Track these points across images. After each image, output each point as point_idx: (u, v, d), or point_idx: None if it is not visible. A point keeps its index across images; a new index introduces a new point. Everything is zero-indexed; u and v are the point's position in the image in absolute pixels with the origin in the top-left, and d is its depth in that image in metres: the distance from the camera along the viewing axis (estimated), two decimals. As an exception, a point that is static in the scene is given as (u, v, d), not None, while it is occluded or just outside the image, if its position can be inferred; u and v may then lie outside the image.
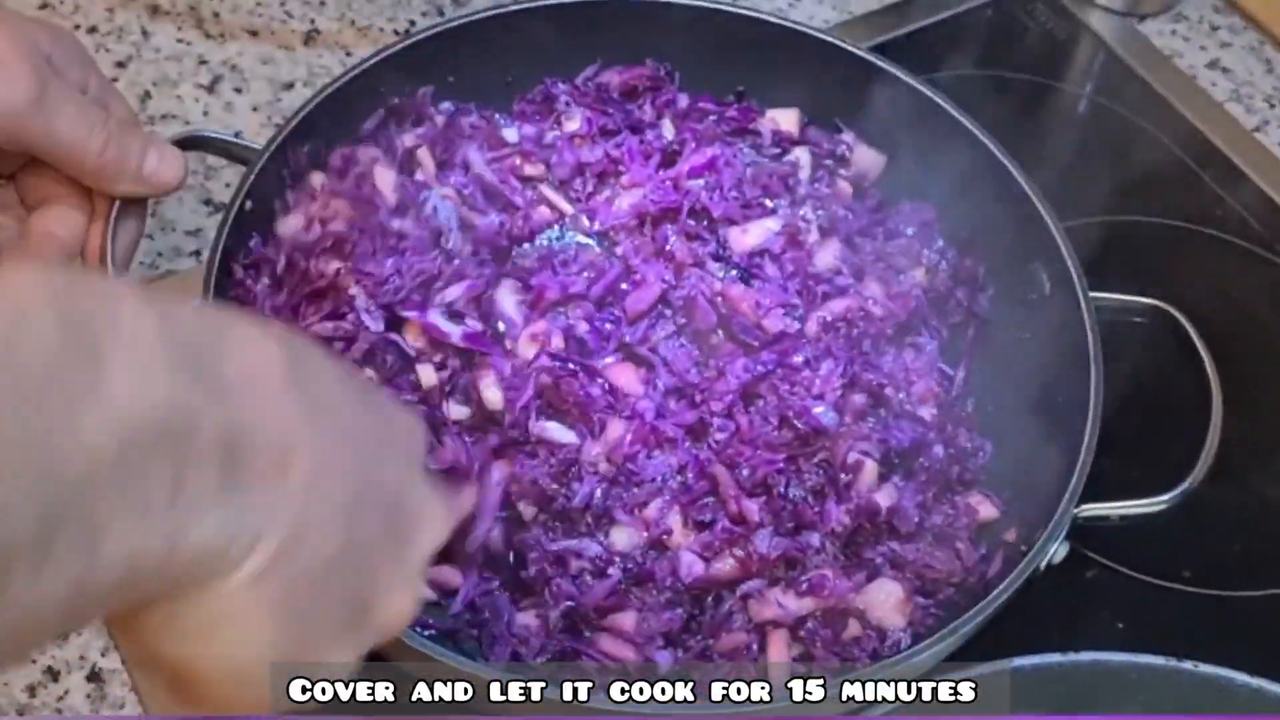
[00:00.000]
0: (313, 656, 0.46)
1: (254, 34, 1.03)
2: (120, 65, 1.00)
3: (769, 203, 0.86)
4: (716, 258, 0.84)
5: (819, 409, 0.77)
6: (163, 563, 0.40)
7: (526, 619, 0.73)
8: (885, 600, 0.73)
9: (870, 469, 0.77)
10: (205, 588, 0.42)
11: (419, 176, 0.85)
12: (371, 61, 0.84)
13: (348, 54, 1.02)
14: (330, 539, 0.45)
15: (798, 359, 0.80)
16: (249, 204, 0.77)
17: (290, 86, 1.00)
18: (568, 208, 0.85)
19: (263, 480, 0.42)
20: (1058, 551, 0.71)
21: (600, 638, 0.73)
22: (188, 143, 0.79)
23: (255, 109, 0.98)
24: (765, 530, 0.74)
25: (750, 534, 0.74)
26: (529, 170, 0.86)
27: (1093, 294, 0.79)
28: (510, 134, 0.87)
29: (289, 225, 0.80)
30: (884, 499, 0.76)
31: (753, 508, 0.75)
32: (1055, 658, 0.70)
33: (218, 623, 0.43)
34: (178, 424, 0.39)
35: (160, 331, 0.40)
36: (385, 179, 0.82)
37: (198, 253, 0.91)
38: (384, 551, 0.49)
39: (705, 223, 0.85)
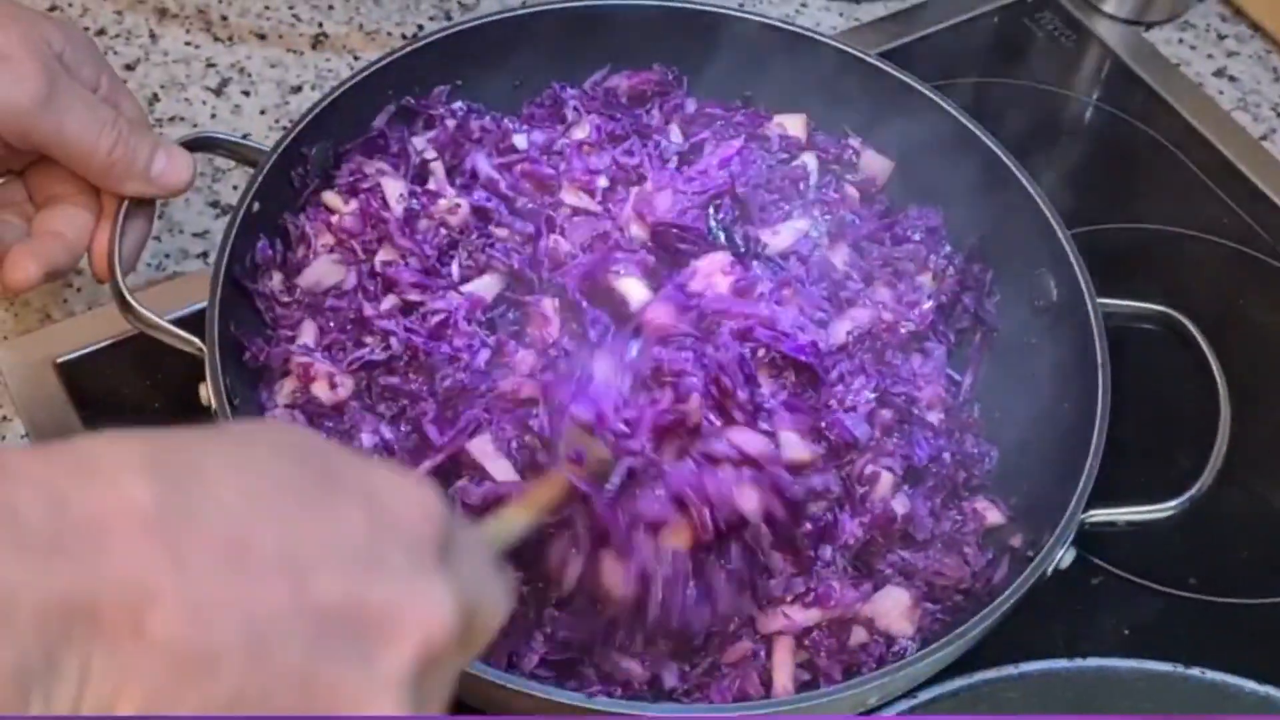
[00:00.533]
0: None
1: (262, 37, 1.03)
2: (129, 68, 1.00)
3: (785, 206, 0.86)
4: (755, 256, 0.83)
5: (850, 420, 0.76)
6: None
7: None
8: (893, 608, 0.73)
9: (886, 479, 0.76)
10: None
11: (430, 185, 0.85)
12: (381, 63, 0.84)
13: (355, 58, 1.03)
14: (219, 687, 0.40)
15: (831, 375, 0.79)
16: (256, 205, 0.77)
17: (298, 90, 1.00)
18: (593, 205, 0.84)
19: (110, 644, 0.38)
20: (1064, 557, 0.71)
21: (607, 651, 0.72)
22: (196, 144, 0.79)
23: (263, 112, 0.98)
24: (781, 577, 0.73)
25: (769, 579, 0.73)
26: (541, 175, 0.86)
27: (1100, 300, 0.78)
28: (520, 140, 0.87)
29: (308, 277, 0.81)
30: (899, 506, 0.76)
31: (777, 563, 0.73)
32: (1062, 663, 0.70)
33: None
34: None
35: None
36: (392, 190, 0.82)
37: (205, 255, 0.91)
38: (325, 672, 0.42)
39: (736, 214, 0.84)
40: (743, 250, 0.81)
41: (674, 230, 0.81)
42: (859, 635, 0.73)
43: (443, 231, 0.82)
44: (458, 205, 0.82)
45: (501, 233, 0.82)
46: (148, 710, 0.39)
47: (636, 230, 0.82)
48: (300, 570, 0.42)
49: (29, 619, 0.37)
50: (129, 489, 0.41)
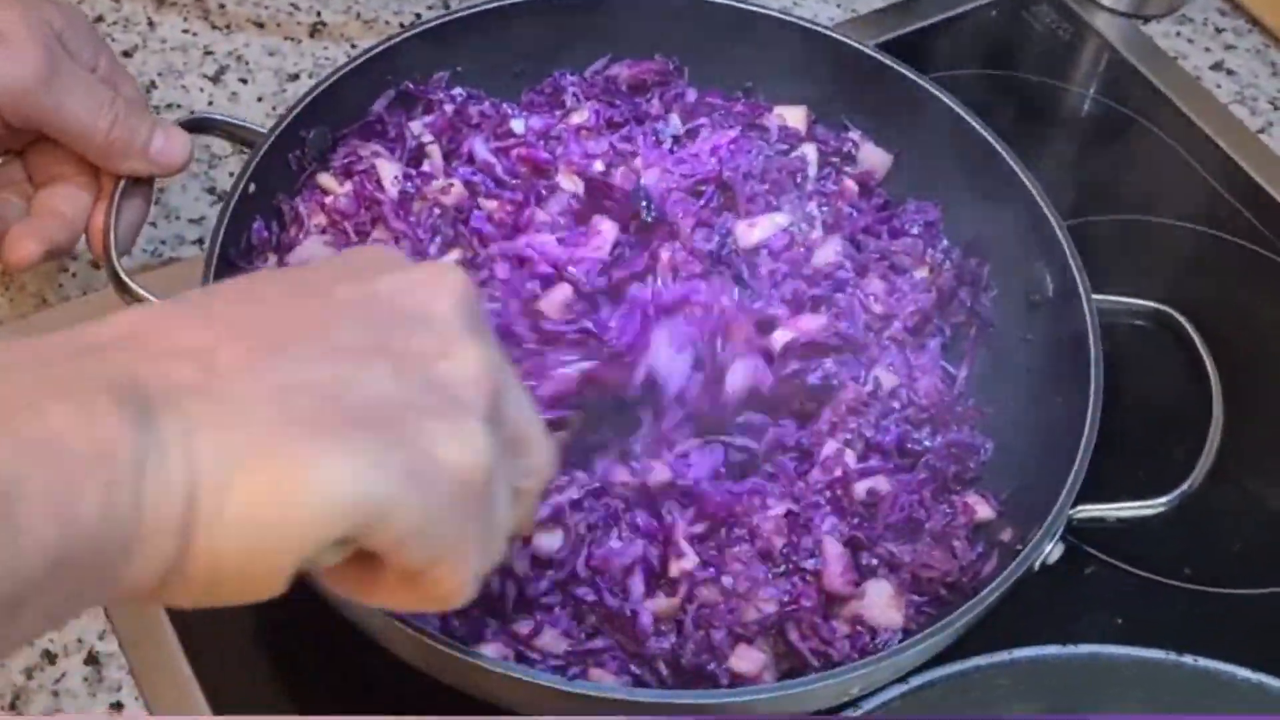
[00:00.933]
0: (391, 490, 0.42)
1: (260, 25, 1.03)
2: (126, 55, 1.00)
3: (774, 199, 0.86)
4: (718, 255, 0.82)
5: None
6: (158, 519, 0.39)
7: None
8: (878, 599, 0.73)
9: (851, 455, 0.77)
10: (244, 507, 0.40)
11: (425, 168, 0.85)
12: (382, 47, 0.84)
13: (353, 46, 1.03)
14: (316, 391, 0.42)
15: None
16: (253, 187, 0.77)
17: (295, 78, 1.00)
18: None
19: (184, 400, 0.40)
20: (1052, 552, 0.71)
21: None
22: (194, 125, 0.79)
23: (260, 99, 0.99)
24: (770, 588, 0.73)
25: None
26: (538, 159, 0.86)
27: (1095, 296, 0.78)
28: (518, 125, 0.87)
29: (299, 255, 0.80)
30: (872, 485, 0.76)
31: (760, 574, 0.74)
32: (1054, 649, 0.70)
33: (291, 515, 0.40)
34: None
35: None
36: (387, 172, 0.83)
37: (200, 241, 0.91)
38: (409, 403, 0.44)
39: (718, 202, 0.85)
40: (648, 220, 0.81)
41: (603, 186, 0.82)
42: (842, 627, 0.72)
43: (436, 212, 0.82)
44: (451, 185, 0.82)
45: (490, 204, 0.82)
46: (265, 448, 0.40)
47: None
48: (370, 323, 0.47)
49: (109, 398, 0.39)
50: (146, 310, 0.45)
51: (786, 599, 0.72)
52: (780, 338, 0.79)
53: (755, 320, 0.79)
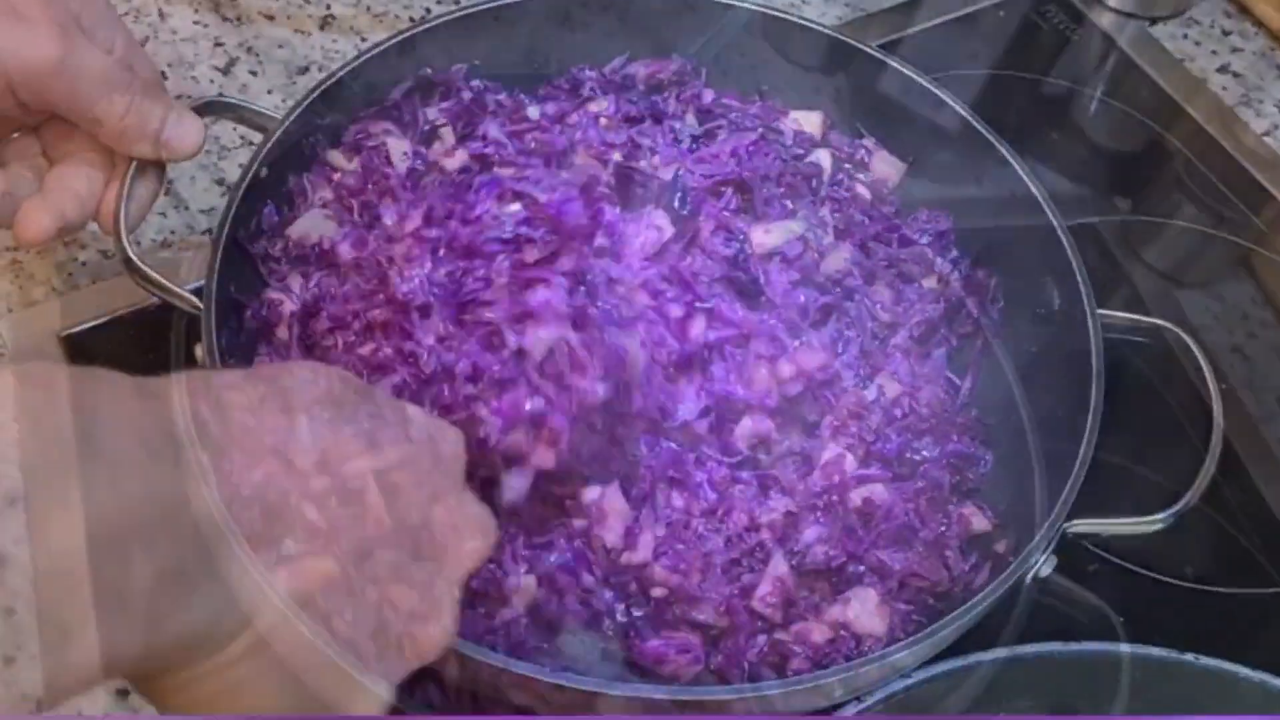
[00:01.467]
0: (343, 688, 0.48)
1: (270, 18, 1.04)
2: (136, 45, 1.00)
3: (789, 204, 0.85)
4: (735, 262, 0.81)
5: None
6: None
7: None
8: (863, 606, 0.73)
9: (850, 460, 0.77)
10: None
11: (436, 147, 0.85)
12: (401, 38, 0.84)
13: (362, 39, 1.03)
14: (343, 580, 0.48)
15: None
16: (264, 171, 0.77)
17: (305, 70, 1.00)
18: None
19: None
20: (1044, 565, 0.71)
21: None
22: (208, 108, 0.79)
23: (270, 91, 0.99)
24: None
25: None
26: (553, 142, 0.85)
27: (1101, 311, 0.78)
28: (533, 111, 0.87)
29: (298, 229, 0.80)
30: (875, 495, 0.76)
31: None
32: (1056, 647, 0.70)
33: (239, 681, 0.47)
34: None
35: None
36: (397, 148, 0.83)
37: (210, 231, 0.91)
38: (408, 579, 0.50)
39: (736, 204, 0.84)
40: (685, 214, 0.79)
41: (636, 175, 0.81)
42: (826, 633, 0.72)
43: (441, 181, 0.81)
44: (455, 150, 0.82)
45: (507, 171, 0.81)
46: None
47: None
48: (400, 484, 0.52)
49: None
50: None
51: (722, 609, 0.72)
52: (783, 370, 0.79)
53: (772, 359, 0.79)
